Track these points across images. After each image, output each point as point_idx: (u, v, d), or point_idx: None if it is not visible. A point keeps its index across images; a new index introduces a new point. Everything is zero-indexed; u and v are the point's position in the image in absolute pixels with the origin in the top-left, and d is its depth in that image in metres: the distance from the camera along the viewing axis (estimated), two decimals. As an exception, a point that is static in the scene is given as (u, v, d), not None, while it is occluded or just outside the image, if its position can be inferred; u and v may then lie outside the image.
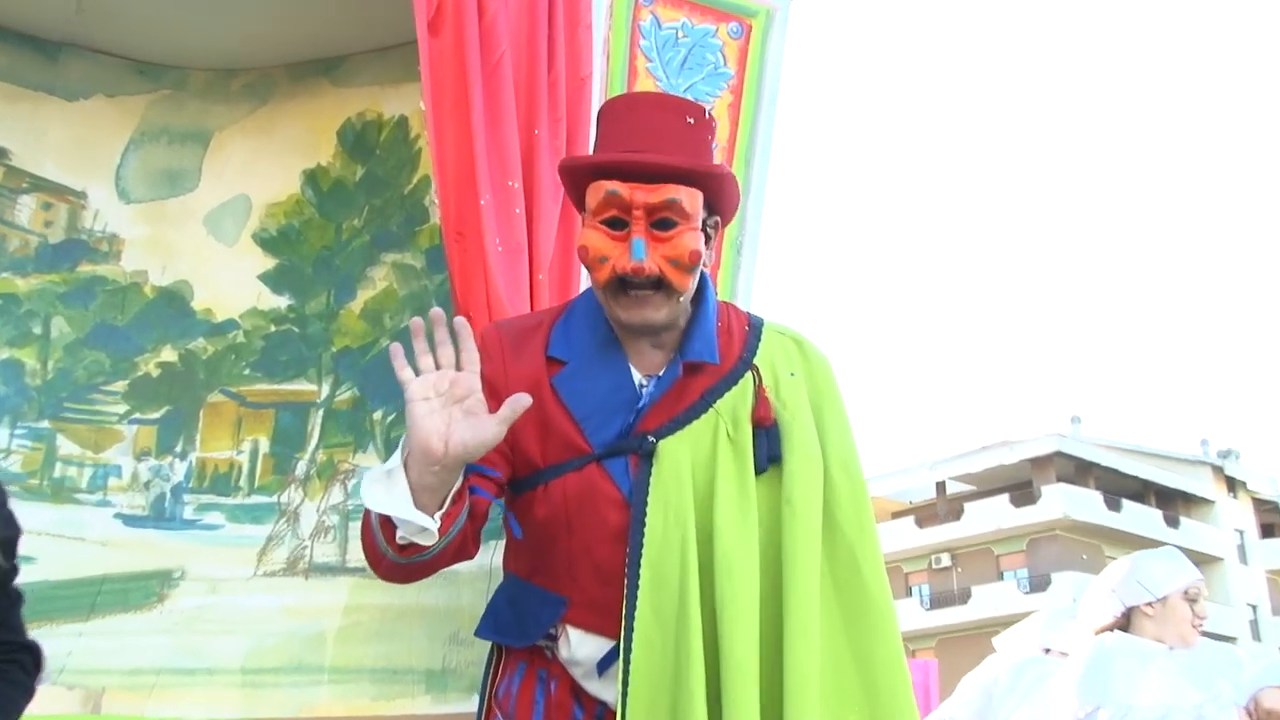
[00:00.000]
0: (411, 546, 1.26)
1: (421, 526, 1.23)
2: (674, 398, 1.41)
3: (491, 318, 1.84)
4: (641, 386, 1.43)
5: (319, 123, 2.89)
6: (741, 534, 1.33)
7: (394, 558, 1.27)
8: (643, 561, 1.33)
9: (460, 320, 1.24)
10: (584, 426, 1.39)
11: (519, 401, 1.23)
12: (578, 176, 1.43)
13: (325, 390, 2.70)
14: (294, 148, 2.88)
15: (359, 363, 2.70)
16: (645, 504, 1.36)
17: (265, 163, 2.88)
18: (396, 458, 1.25)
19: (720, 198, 1.45)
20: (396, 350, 1.24)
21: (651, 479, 1.36)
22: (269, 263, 2.81)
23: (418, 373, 1.24)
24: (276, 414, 2.70)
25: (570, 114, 2.25)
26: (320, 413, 2.68)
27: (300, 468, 2.65)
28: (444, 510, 1.26)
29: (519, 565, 1.48)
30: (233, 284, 2.80)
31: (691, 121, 1.42)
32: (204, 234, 2.85)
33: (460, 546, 1.34)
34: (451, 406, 1.23)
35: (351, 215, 2.81)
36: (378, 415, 2.65)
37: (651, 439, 1.38)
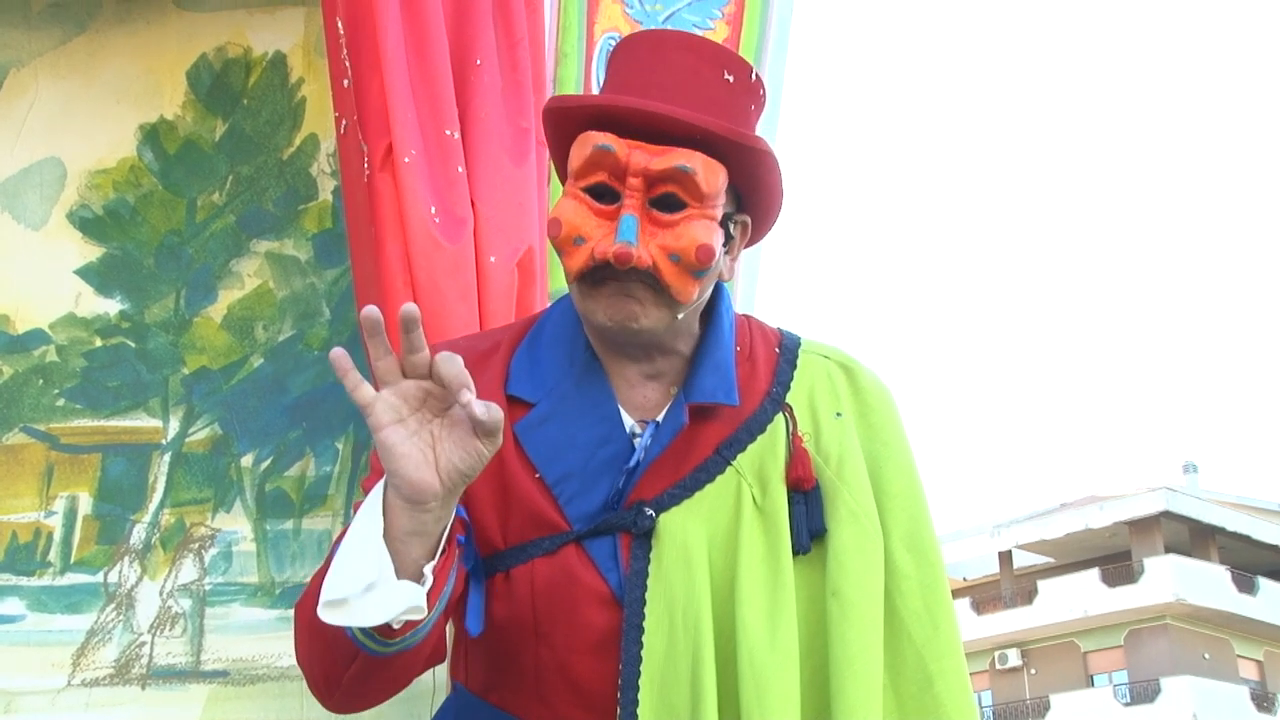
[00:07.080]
0: (406, 625, 1.29)
1: (412, 604, 1.26)
2: (679, 453, 1.45)
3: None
4: (634, 436, 1.48)
5: (161, 60, 2.94)
6: (775, 640, 1.36)
7: (377, 649, 1.30)
8: (641, 681, 1.38)
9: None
10: (558, 494, 1.44)
11: (495, 409, 1.25)
12: (565, 125, 1.47)
13: (173, 427, 2.76)
14: (126, 94, 2.93)
15: (220, 389, 2.76)
16: (643, 601, 1.40)
17: (85, 114, 2.93)
18: (371, 525, 1.26)
19: (756, 186, 1.49)
20: (341, 358, 1.25)
21: (651, 567, 1.41)
22: (92, 252, 2.86)
23: (375, 385, 1.26)
24: (104, 460, 2.75)
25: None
26: (166, 458, 2.74)
27: (137, 534, 2.70)
28: (436, 561, 1.30)
29: (471, 675, 1.53)
30: (39, 281, 2.84)
31: (730, 80, 1.46)
32: (-4, 211, 2.89)
33: (442, 625, 1.38)
34: (431, 424, 1.27)
35: (209, 188, 2.87)
36: (247, 460, 2.70)
37: (650, 511, 1.42)
